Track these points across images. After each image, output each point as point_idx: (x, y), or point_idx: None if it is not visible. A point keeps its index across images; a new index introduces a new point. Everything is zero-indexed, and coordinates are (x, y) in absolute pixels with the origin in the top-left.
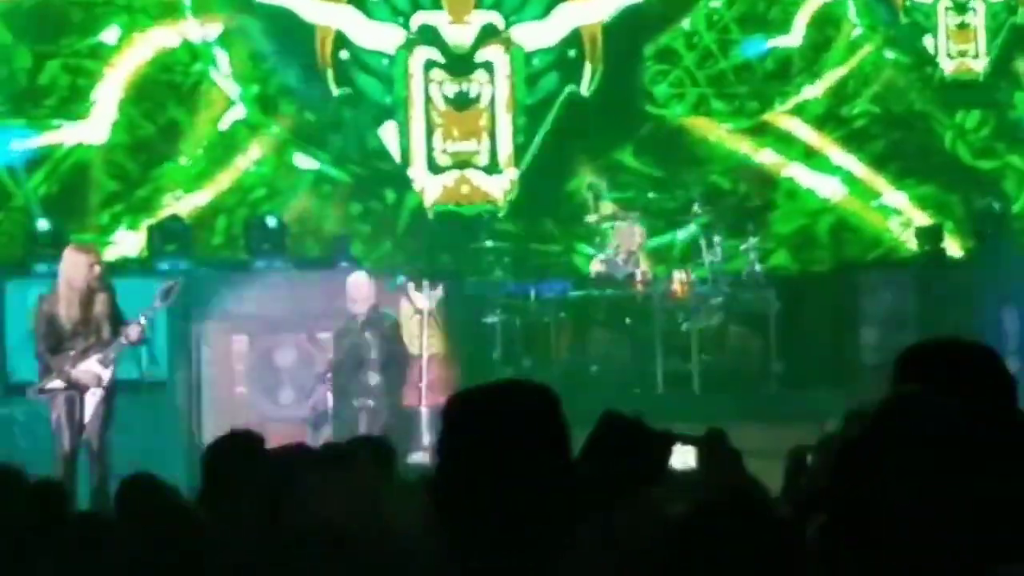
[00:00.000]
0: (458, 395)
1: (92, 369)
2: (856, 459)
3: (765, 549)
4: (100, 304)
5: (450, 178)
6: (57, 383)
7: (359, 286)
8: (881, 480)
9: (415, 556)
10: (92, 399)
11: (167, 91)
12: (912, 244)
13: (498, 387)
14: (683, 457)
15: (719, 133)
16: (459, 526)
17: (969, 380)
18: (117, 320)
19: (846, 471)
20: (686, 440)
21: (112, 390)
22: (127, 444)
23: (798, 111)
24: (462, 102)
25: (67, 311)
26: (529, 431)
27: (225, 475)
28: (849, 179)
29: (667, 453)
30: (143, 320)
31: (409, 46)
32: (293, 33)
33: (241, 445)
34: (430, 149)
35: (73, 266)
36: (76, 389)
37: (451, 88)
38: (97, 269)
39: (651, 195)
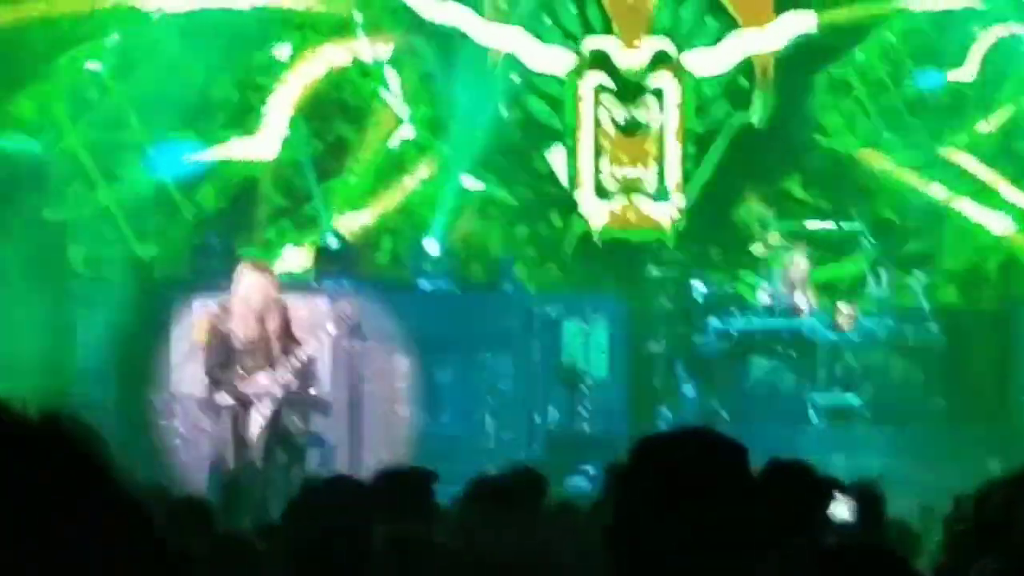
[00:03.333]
0: (646, 440)
1: (262, 386)
2: None
3: None
4: (273, 323)
5: (617, 204)
6: (225, 398)
7: None
8: None
9: None
10: (258, 416)
11: (337, 109)
12: None
13: (689, 437)
14: (841, 507)
15: (889, 166)
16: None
17: None
18: (289, 338)
19: None
20: (845, 490)
21: (280, 408)
22: None
23: (970, 146)
24: (631, 127)
25: (242, 329)
26: (712, 487)
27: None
28: (1020, 216)
29: (828, 502)
30: (315, 343)
31: (580, 70)
32: (463, 54)
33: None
34: (598, 173)
35: (250, 284)
36: (243, 405)
37: (620, 113)
38: (273, 290)
39: (818, 226)
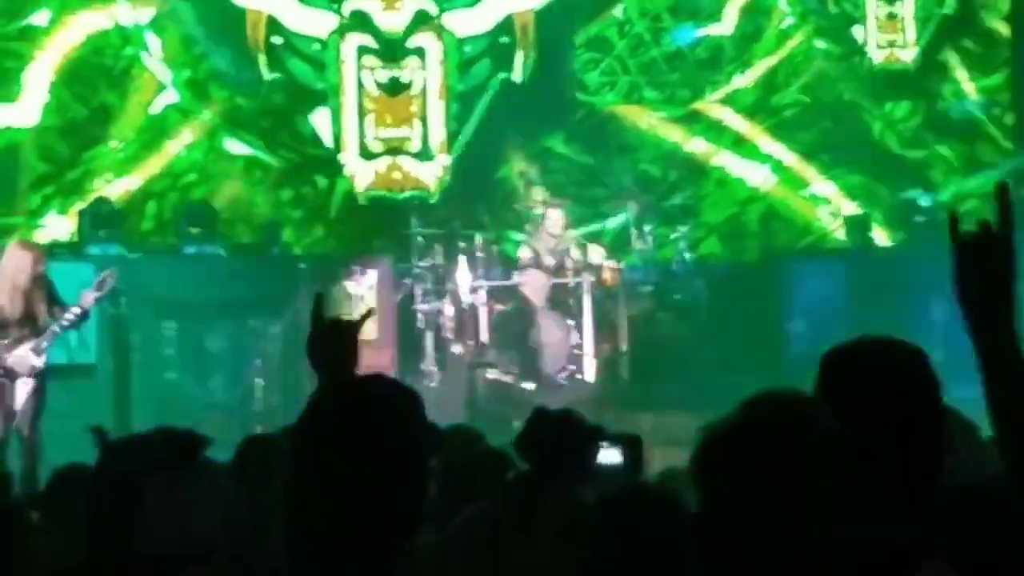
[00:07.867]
0: (318, 392)
1: (25, 357)
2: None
3: (666, 542)
4: (39, 300)
5: (382, 164)
6: None
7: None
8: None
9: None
10: (24, 387)
11: (98, 74)
12: (841, 234)
13: (360, 387)
14: (609, 454)
15: (650, 121)
16: (304, 536)
17: (894, 382)
18: (54, 310)
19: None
20: (612, 439)
21: (44, 378)
22: (56, 430)
23: (729, 100)
24: (394, 88)
25: (8, 305)
26: (390, 436)
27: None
28: (779, 168)
29: (594, 450)
30: (77, 310)
31: (341, 31)
32: (225, 17)
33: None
34: (362, 135)
35: (18, 263)
36: (8, 377)
37: (383, 74)
38: (41, 268)
39: (581, 183)
